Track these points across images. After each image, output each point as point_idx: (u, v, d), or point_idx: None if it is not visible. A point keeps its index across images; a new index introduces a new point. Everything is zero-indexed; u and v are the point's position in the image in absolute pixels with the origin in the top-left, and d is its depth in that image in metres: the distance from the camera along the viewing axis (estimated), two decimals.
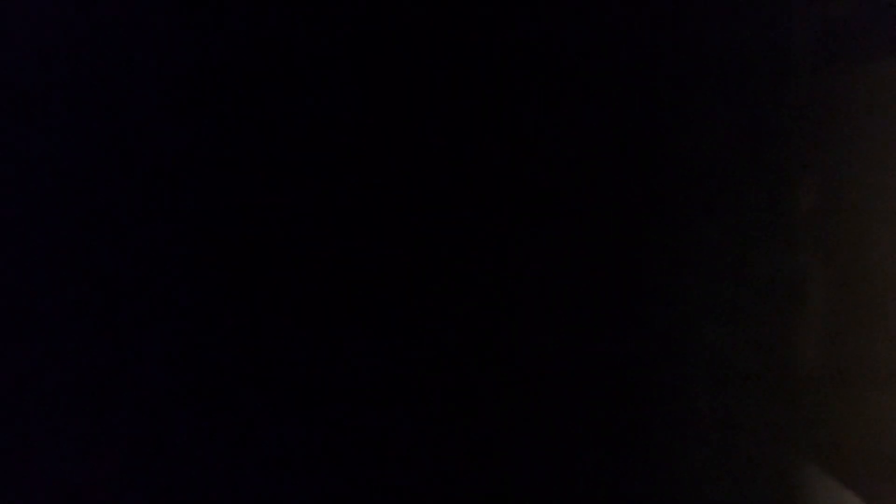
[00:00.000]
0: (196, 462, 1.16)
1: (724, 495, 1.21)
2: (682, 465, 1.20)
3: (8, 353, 1.17)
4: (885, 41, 1.24)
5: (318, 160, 1.17)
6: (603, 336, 1.18)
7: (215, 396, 1.15)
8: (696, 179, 1.19)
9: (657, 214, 1.19)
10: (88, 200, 1.17)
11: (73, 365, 1.16)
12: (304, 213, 1.17)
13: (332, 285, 1.16)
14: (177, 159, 1.17)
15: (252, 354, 1.16)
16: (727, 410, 1.21)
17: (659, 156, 1.19)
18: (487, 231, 1.17)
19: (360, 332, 1.16)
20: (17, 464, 1.17)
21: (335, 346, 1.16)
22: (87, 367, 1.16)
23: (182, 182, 1.17)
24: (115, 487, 1.16)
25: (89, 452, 1.16)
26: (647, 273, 1.19)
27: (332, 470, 1.16)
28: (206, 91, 1.16)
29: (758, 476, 1.23)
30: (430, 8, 1.15)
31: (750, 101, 1.19)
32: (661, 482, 1.20)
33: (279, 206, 1.17)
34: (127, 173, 1.17)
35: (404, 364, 1.16)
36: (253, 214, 1.17)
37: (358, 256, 1.17)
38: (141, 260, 1.16)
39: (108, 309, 1.16)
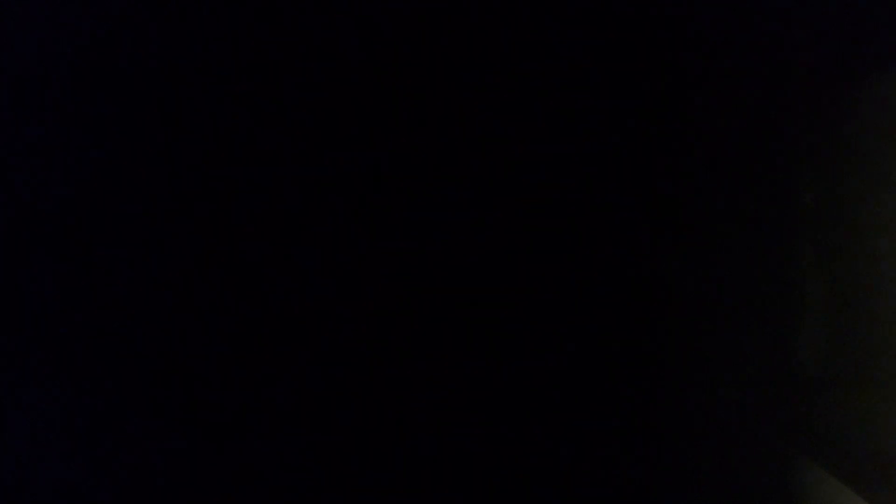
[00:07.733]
0: (194, 465, 1.16)
1: (725, 494, 1.21)
2: (683, 464, 1.20)
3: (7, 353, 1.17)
4: (887, 45, 1.24)
5: (319, 161, 1.17)
6: (604, 336, 1.18)
7: (214, 400, 1.15)
8: (698, 182, 1.19)
9: (659, 217, 1.19)
10: (88, 200, 1.16)
11: (73, 363, 1.16)
12: (303, 215, 1.17)
13: (342, 289, 1.16)
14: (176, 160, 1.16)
15: (250, 358, 1.16)
16: (728, 411, 1.21)
17: (662, 158, 1.19)
18: (501, 231, 1.17)
19: (363, 334, 1.16)
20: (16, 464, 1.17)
21: (346, 349, 1.16)
22: (91, 367, 1.16)
23: (181, 183, 1.16)
24: (114, 489, 1.16)
25: (89, 454, 1.16)
26: (649, 275, 1.19)
27: (337, 474, 1.16)
28: (204, 91, 1.16)
29: (758, 476, 1.23)
30: (437, 9, 1.14)
31: (754, 105, 1.19)
32: (661, 481, 1.20)
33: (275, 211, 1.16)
34: (126, 174, 1.16)
35: (410, 367, 1.16)
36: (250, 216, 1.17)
37: (362, 257, 1.17)
38: (138, 261, 1.16)
39: (111, 310, 1.16)
